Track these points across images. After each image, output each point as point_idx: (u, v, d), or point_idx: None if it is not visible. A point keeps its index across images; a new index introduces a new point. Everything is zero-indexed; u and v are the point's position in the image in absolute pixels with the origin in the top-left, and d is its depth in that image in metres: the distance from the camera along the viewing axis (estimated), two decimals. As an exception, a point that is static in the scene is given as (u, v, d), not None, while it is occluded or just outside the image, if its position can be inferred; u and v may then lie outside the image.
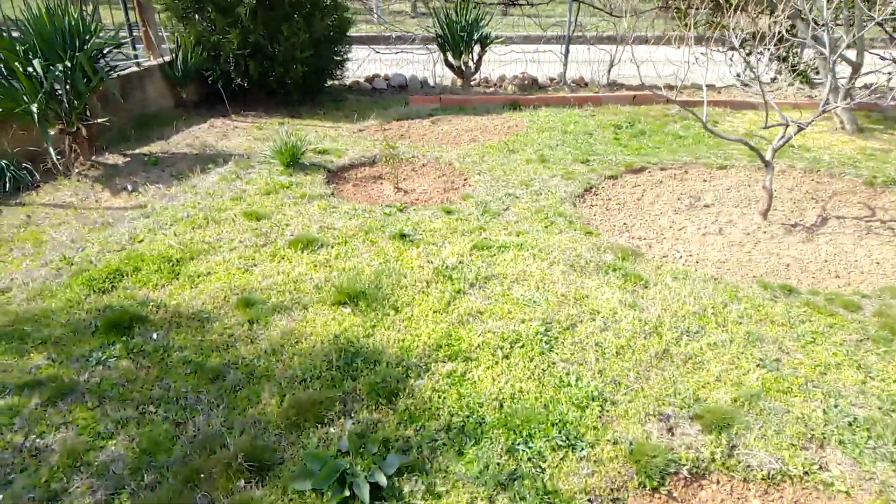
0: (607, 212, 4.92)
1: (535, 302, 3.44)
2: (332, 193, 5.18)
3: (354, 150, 6.30)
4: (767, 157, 4.63)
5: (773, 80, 9.06)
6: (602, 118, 7.48)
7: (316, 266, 3.84)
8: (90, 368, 2.91)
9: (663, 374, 2.88)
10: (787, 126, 4.54)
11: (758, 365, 2.95)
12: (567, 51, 9.03)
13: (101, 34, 5.74)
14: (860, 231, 4.56)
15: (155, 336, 3.14)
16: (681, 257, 4.15)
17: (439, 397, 2.70)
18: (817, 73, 8.98)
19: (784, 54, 8.79)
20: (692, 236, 4.48)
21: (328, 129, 7.19)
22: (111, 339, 3.11)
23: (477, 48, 8.57)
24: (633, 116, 7.49)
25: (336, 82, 8.91)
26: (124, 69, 6.99)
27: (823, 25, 5.99)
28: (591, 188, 5.30)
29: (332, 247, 4.10)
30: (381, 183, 5.78)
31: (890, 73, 8.60)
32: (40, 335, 3.12)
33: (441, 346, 3.04)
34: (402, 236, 4.23)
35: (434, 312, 3.33)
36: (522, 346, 3.03)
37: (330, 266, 3.84)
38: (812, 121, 4.46)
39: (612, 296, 3.50)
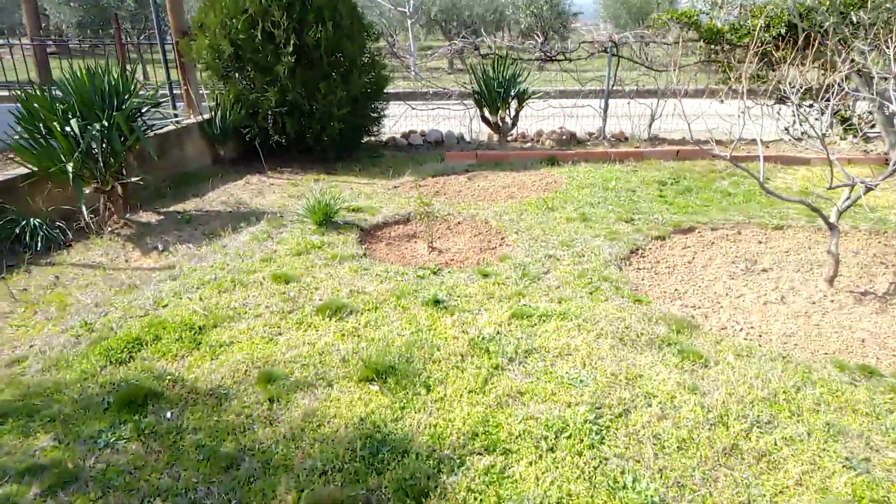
0: (656, 276, 4.58)
1: (581, 382, 3.11)
2: (365, 254, 4.99)
3: (388, 208, 6.14)
4: (832, 219, 4.27)
5: (825, 134, 8.69)
6: (645, 174, 7.20)
7: (343, 336, 3.60)
8: (97, 452, 2.68)
9: (733, 474, 2.50)
10: (853, 186, 4.19)
11: (844, 465, 2.55)
12: (606, 105, 8.86)
13: (140, 93, 5.79)
14: (941, 301, 4.12)
15: (169, 415, 2.91)
16: (741, 329, 3.78)
17: (476, 499, 2.38)
18: (872, 126, 8.59)
19: (837, 108, 8.44)
20: (752, 305, 4.11)
21: (363, 185, 7.08)
22: (123, 417, 2.90)
23: (514, 104, 8.47)
24: (678, 172, 7.20)
25: (372, 138, 8.90)
26: (162, 128, 7.06)
27: (887, 79, 5.68)
28: (637, 250, 4.99)
29: (362, 313, 3.86)
30: (415, 242, 5.57)
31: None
32: (49, 412, 2.93)
33: (477, 435, 2.73)
34: (436, 302, 3.97)
35: (470, 392, 3.03)
36: (569, 437, 2.69)
37: (358, 335, 3.60)
38: (883, 179, 4.11)
39: (669, 376, 3.14)
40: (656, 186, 6.73)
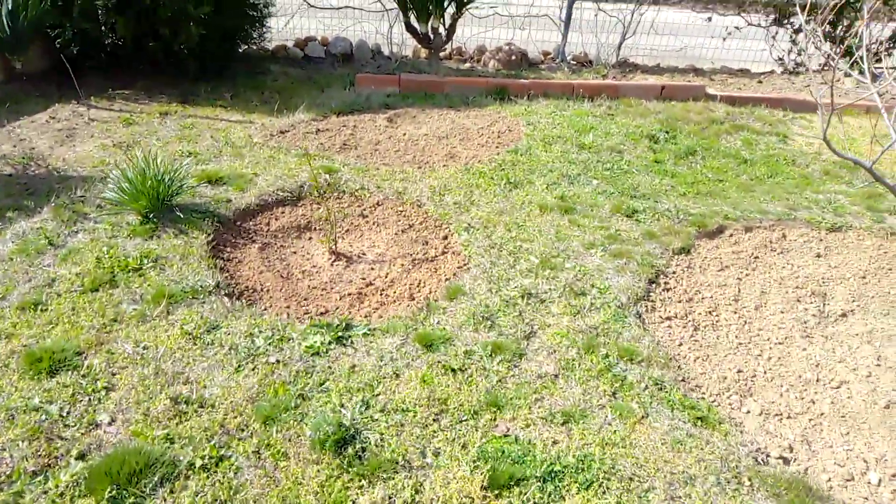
0: (698, 336, 2.87)
1: None
2: (218, 284, 2.92)
3: (269, 176, 4.00)
4: None
5: (824, 67, 7.12)
6: (626, 121, 5.36)
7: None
8: None
9: None
10: None
11: None
12: (569, 15, 6.78)
13: None
14: None
15: None
16: (880, 484, 2.17)
17: None
18: (879, 60, 7.09)
19: (842, 34, 6.84)
20: (866, 408, 2.50)
21: (235, 126, 4.81)
22: None
23: (451, 9, 6.21)
24: (669, 121, 5.41)
25: (254, 46, 6.42)
26: None
27: None
28: (657, 275, 3.23)
29: (189, 480, 1.91)
30: (309, 240, 3.57)
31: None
32: None
33: None
34: (340, 443, 2.07)
35: None
36: None
37: (169, 568, 1.67)
38: None
39: None
40: (647, 144, 4.92)
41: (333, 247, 3.44)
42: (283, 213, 3.77)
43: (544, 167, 4.38)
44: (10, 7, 4.96)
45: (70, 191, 3.59)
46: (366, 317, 2.90)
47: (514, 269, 3.16)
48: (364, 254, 3.49)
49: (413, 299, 3.05)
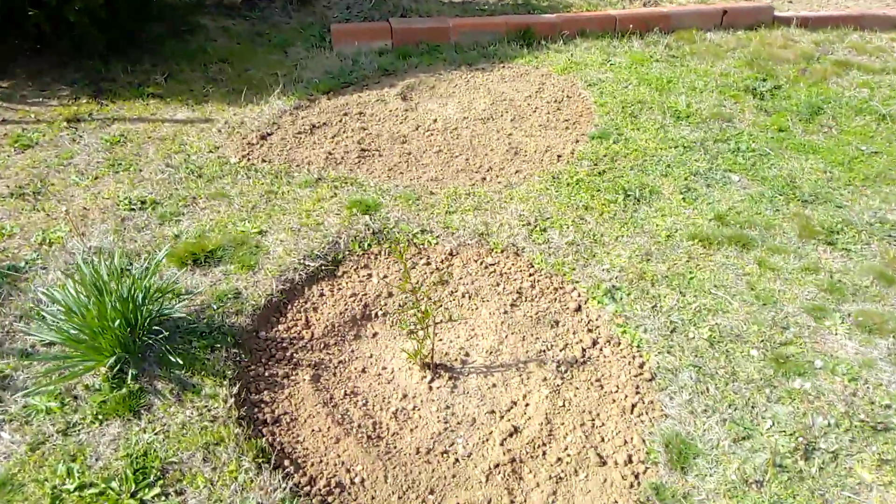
0: None
1: None
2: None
3: (281, 232, 2.59)
4: None
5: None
6: (704, 67, 4.13)
7: None
8: None
9: None
10: None
11: None
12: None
13: None
14: None
15: None
16: None
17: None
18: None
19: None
20: None
21: (187, 130, 3.25)
22: None
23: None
24: (756, 62, 4.22)
25: (174, -7, 4.61)
26: None
27: None
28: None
29: None
30: (374, 337, 2.29)
31: None
32: None
33: None
34: None
35: None
36: None
37: None
38: None
39: None
40: (753, 103, 3.75)
41: (427, 357, 2.17)
42: (322, 297, 2.41)
43: (654, 159, 3.15)
44: None
45: (-43, 321, 2.08)
46: (551, 520, 1.72)
47: (740, 382, 2.01)
48: (468, 355, 2.26)
49: (605, 464, 1.88)
